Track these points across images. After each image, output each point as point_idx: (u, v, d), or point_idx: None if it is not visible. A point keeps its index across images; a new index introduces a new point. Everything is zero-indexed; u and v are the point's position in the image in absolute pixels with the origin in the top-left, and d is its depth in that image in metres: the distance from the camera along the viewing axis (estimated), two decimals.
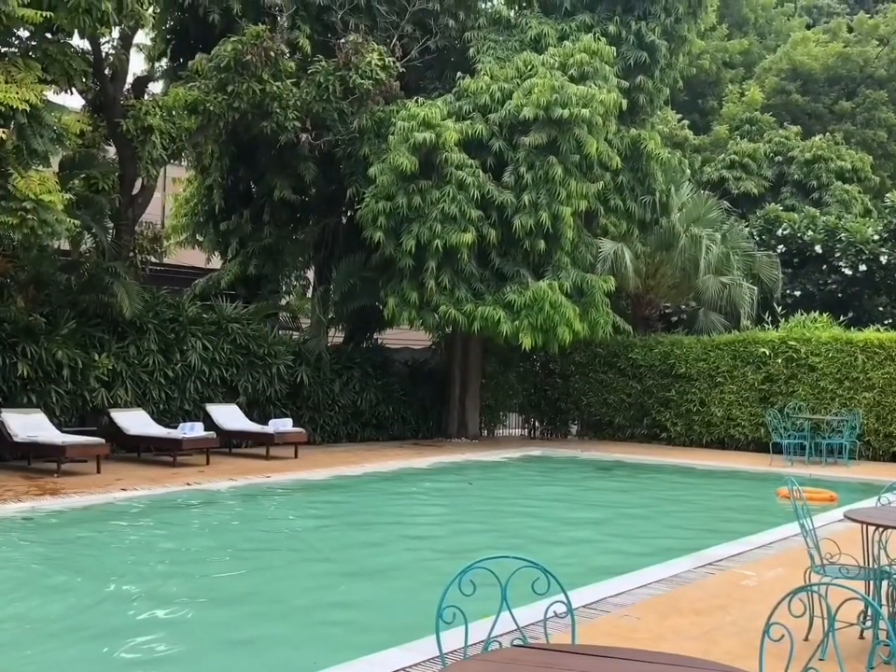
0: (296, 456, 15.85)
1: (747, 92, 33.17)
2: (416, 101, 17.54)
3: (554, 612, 3.76)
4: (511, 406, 22.64)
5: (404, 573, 8.51)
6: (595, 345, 20.45)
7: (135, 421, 15.00)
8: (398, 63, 17.87)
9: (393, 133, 17.21)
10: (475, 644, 4.13)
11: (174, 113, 15.70)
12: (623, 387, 20.53)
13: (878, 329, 18.31)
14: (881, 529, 5.32)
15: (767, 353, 18.56)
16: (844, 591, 5.95)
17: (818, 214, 24.39)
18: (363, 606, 7.24)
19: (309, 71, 17.33)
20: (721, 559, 8.34)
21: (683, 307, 23.16)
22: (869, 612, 5.34)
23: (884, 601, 5.52)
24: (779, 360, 18.41)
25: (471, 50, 19.05)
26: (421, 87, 19.47)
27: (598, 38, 18.43)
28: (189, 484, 12.45)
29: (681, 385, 19.72)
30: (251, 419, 16.73)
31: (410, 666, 5.17)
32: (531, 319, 16.76)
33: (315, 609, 7.15)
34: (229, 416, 16.42)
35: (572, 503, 13.25)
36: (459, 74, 18.47)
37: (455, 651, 4.34)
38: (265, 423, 16.46)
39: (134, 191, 16.90)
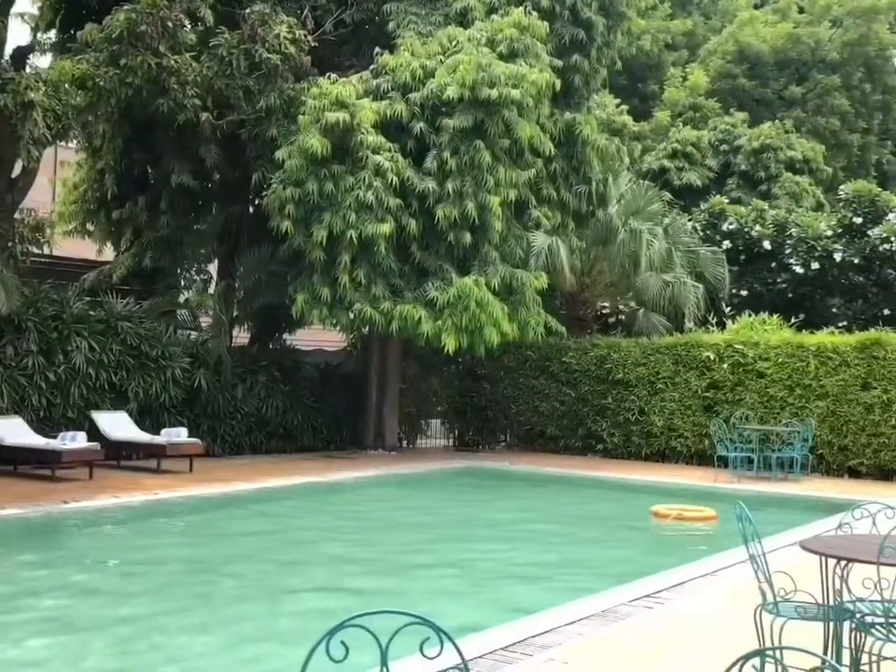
0: (191, 470, 15.24)
1: (690, 76, 33.35)
2: (329, 78, 17.02)
3: None
4: (434, 414, 22.21)
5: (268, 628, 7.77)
6: (526, 348, 20.11)
7: (11, 430, 14.30)
8: (309, 37, 17.37)
9: (303, 113, 16.67)
10: None
11: (60, 88, 14.94)
12: (556, 394, 20.23)
13: (832, 333, 18.30)
14: (842, 562, 4.94)
15: (712, 357, 18.40)
16: (798, 625, 5.59)
17: (766, 207, 24.46)
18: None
19: (211, 44, 16.69)
20: (661, 590, 7.96)
21: (622, 307, 22.99)
22: None
23: (846, 643, 5.14)
24: (725, 365, 18.27)
25: (391, 24, 18.57)
26: (335, 63, 18.96)
27: (530, 13, 18.08)
28: (66, 502, 11.81)
29: (619, 393, 19.48)
30: (143, 428, 16.12)
31: None
32: (455, 319, 16.32)
33: None
34: (116, 425, 15.78)
35: (490, 523, 12.90)
36: (377, 50, 18.00)
37: None
38: (158, 432, 15.84)
39: (14, 174, 16.17)
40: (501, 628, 6.74)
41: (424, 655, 3.10)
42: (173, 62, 15.74)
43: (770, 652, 5.02)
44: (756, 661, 2.86)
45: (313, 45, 17.52)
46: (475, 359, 20.54)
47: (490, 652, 6.06)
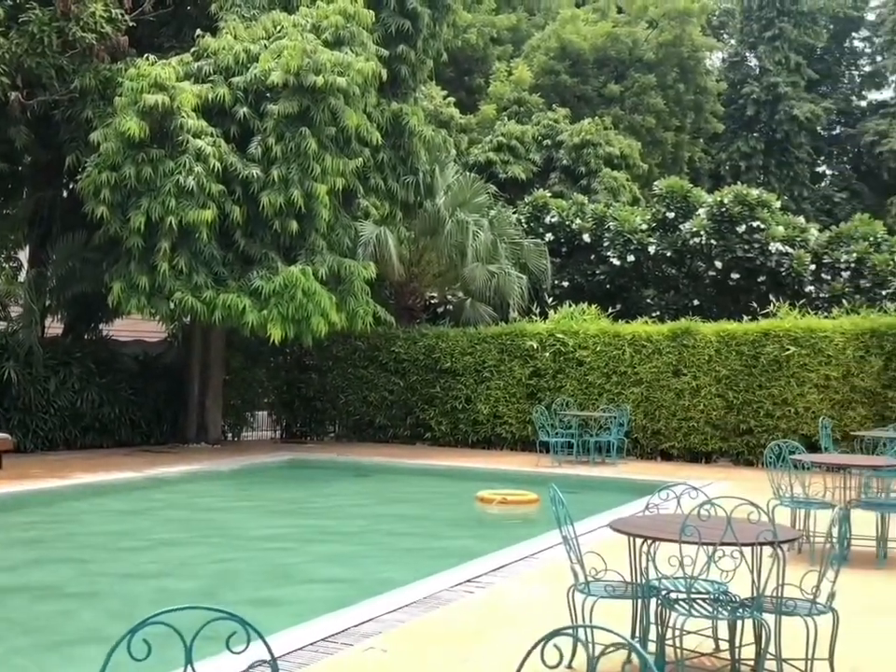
0: (0, 467, 14.43)
1: (515, 71, 33.93)
2: (148, 59, 16.44)
3: None
4: (261, 405, 21.85)
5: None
6: (355, 338, 20.07)
7: None
8: (127, 17, 16.71)
9: (120, 95, 16.03)
10: None
11: None
12: (385, 384, 20.27)
13: (646, 322, 19.04)
14: (649, 541, 5.13)
15: (535, 346, 18.86)
16: (611, 603, 5.79)
17: (586, 201, 25.17)
18: None
19: (20, 20, 15.82)
20: (481, 574, 8.07)
21: (450, 297, 23.24)
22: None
23: (653, 619, 5.35)
24: (547, 354, 18.75)
25: (213, 6, 18.07)
26: (155, 44, 18.31)
27: (355, 1, 17.98)
28: None
29: (447, 381, 19.70)
30: None
31: None
32: (281, 308, 16.08)
33: None
34: None
35: (307, 514, 12.82)
36: (199, 32, 17.48)
37: None
38: None
39: None
40: (323, 619, 6.67)
41: (230, 650, 3.03)
42: None
43: (582, 631, 5.19)
44: (568, 640, 2.91)
45: (131, 24, 16.87)
46: (303, 350, 20.35)
47: (310, 644, 6.00)
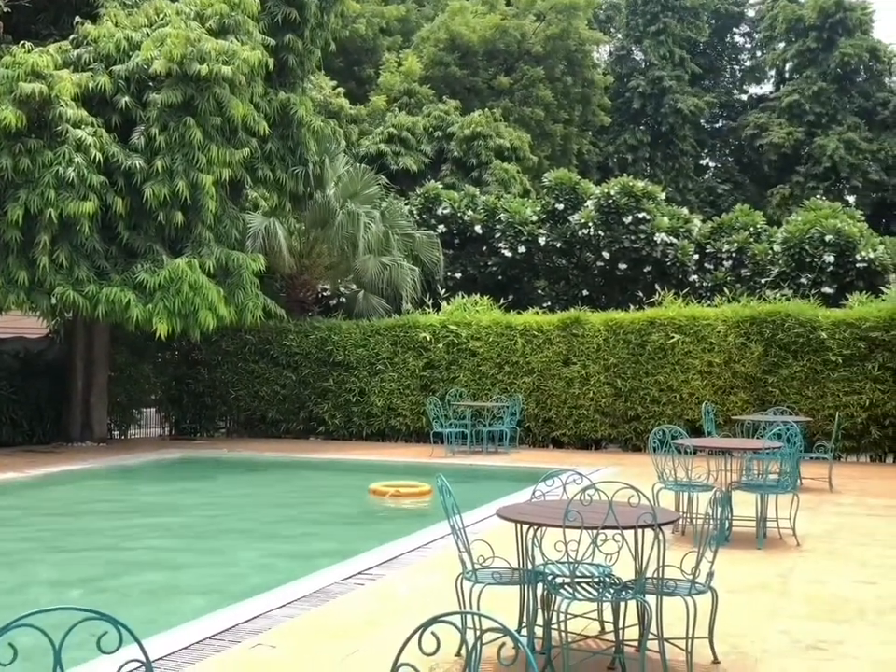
0: None
1: (404, 62, 33.91)
2: (24, 47, 15.88)
3: None
4: (148, 402, 21.36)
5: None
6: (245, 332, 19.79)
7: None
8: (2, 3, 16.17)
9: None
10: None
11: None
12: (277, 378, 20.06)
13: (537, 313, 19.27)
14: (534, 528, 5.20)
15: (428, 338, 18.91)
16: (499, 590, 5.85)
17: (477, 193, 25.34)
18: None
19: None
20: (373, 566, 8.06)
21: (342, 289, 23.10)
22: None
23: (539, 605, 5.43)
24: (440, 346, 18.83)
25: None
26: (32, 32, 17.68)
27: None
28: None
29: (340, 374, 19.60)
30: None
31: None
32: (167, 302, 15.74)
33: None
34: None
35: (205, 512, 12.60)
36: (78, 19, 16.98)
37: None
38: None
39: None
40: (209, 616, 6.57)
41: (101, 650, 2.95)
42: None
43: (470, 619, 5.23)
44: (453, 629, 2.92)
45: (6, 10, 16.30)
46: (191, 344, 19.98)
47: (197, 642, 5.90)
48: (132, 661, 2.94)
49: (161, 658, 5.47)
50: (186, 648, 5.77)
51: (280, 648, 5.85)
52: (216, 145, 16.50)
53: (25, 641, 2.91)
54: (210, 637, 6.02)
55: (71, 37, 16.87)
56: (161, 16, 17.06)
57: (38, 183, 15.23)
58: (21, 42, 16.10)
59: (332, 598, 7.05)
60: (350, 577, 7.70)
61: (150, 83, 16.44)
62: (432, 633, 2.69)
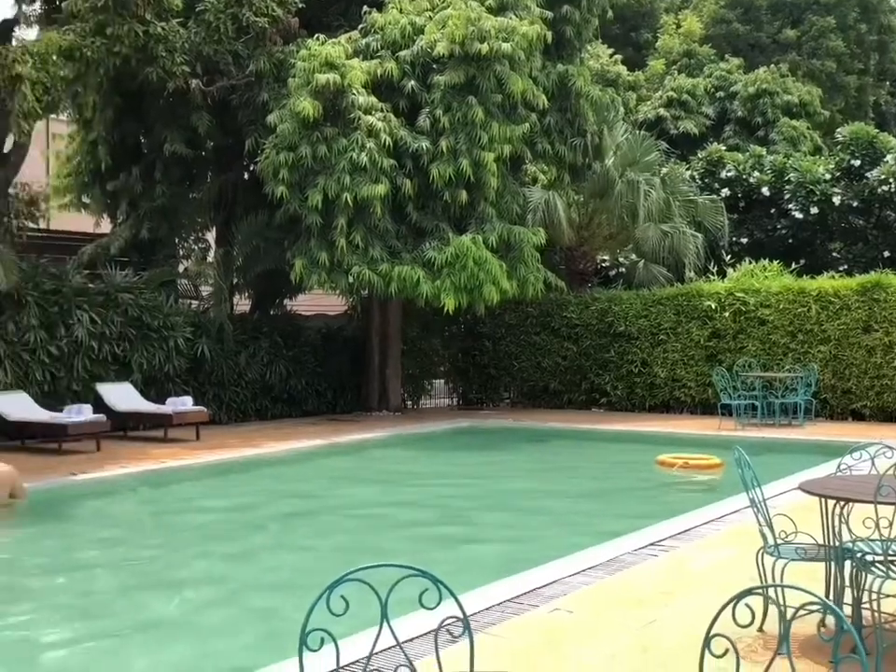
0: (198, 438, 15.33)
1: (683, 23, 32.99)
2: (318, 39, 16.87)
3: (448, 632, 3.27)
4: (437, 374, 22.25)
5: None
6: (526, 304, 20.09)
7: (16, 405, 14.34)
8: None
9: (293, 76, 16.54)
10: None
11: (47, 60, 14.82)
12: (558, 349, 20.24)
13: (833, 277, 18.27)
14: (842, 503, 4.99)
15: (713, 306, 18.40)
16: (801, 566, 5.66)
17: (764, 153, 24.32)
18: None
19: (197, 9, 16.57)
20: (665, 538, 8.02)
21: (622, 260, 22.94)
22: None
23: (847, 583, 5.20)
24: (727, 314, 18.27)
25: None
26: (324, 24, 18.75)
27: None
28: (73, 475, 11.88)
29: (621, 346, 19.49)
30: (148, 398, 16.15)
31: None
32: (454, 278, 16.30)
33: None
34: (122, 396, 15.83)
35: (500, 478, 12.99)
36: (365, 8, 17.81)
37: None
38: (163, 402, 15.92)
39: (6, 150, 16.12)
40: (511, 579, 6.79)
41: (423, 606, 3.16)
42: (160, 29, 15.59)
43: (772, 593, 5.10)
44: (759, 602, 2.89)
45: (300, 6, 17.36)
46: (476, 318, 20.54)
47: (498, 604, 6.14)
48: (450, 617, 3.12)
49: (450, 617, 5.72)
50: (487, 609, 6.01)
51: (577, 613, 5.96)
52: (496, 122, 16.82)
53: (352, 594, 3.15)
54: (509, 600, 6.23)
55: (359, 27, 17.72)
56: None
57: (335, 169, 16.19)
58: (315, 35, 17.11)
59: (626, 567, 7.10)
60: (643, 547, 7.71)
61: (434, 66, 16.99)
62: (746, 605, 2.67)
